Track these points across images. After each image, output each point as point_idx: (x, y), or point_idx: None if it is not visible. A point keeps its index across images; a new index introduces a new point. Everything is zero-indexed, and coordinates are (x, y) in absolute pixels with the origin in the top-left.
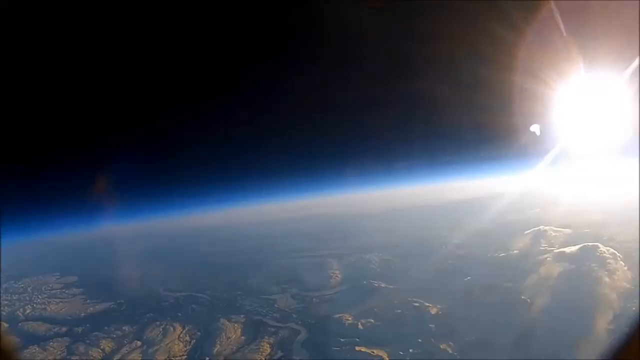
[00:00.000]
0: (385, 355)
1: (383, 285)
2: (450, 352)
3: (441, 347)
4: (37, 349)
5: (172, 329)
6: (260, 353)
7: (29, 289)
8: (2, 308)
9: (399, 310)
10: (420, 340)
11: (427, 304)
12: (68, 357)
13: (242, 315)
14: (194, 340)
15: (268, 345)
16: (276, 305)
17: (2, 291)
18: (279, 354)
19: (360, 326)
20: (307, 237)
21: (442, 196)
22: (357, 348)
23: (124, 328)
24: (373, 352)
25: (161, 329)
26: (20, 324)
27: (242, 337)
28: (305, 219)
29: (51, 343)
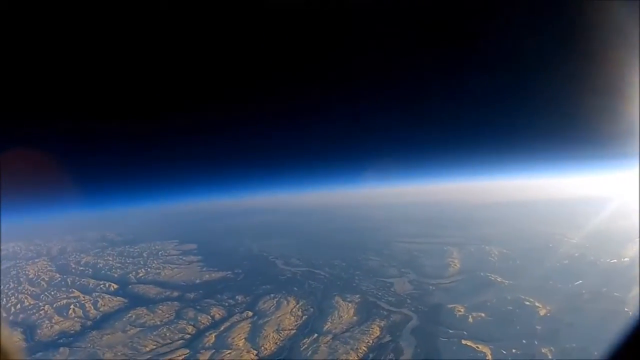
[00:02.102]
0: (488, 352)
1: (499, 279)
2: (550, 356)
3: (542, 350)
4: (145, 310)
5: (285, 302)
6: (369, 335)
7: (144, 254)
8: (113, 270)
9: (510, 307)
10: (524, 341)
11: (537, 304)
12: (176, 320)
13: (357, 296)
14: (306, 316)
15: (378, 329)
16: (392, 289)
17: (116, 254)
18: (387, 338)
19: (470, 319)
20: (426, 222)
21: (553, 192)
22: (463, 341)
23: (237, 297)
24: (477, 348)
25: (275, 302)
26: (130, 286)
27: (354, 318)
28: (423, 204)
29: (160, 306)
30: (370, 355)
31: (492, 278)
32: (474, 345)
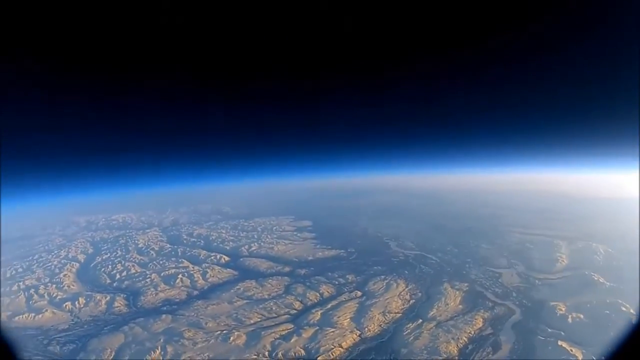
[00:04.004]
0: (579, 356)
1: (602, 280)
2: None
3: None
4: (254, 283)
5: (395, 285)
6: (471, 326)
7: (258, 228)
8: (225, 243)
9: (607, 312)
10: None
11: (632, 311)
12: (284, 295)
13: (465, 284)
14: (413, 301)
15: (481, 320)
16: (500, 280)
17: (229, 228)
18: (489, 330)
19: (569, 319)
20: (541, 213)
21: None
22: (559, 342)
23: (347, 277)
24: (571, 351)
25: (384, 284)
26: (241, 259)
27: (460, 306)
28: (540, 194)
29: (270, 280)
30: (470, 347)
31: (596, 278)
32: (568, 348)
